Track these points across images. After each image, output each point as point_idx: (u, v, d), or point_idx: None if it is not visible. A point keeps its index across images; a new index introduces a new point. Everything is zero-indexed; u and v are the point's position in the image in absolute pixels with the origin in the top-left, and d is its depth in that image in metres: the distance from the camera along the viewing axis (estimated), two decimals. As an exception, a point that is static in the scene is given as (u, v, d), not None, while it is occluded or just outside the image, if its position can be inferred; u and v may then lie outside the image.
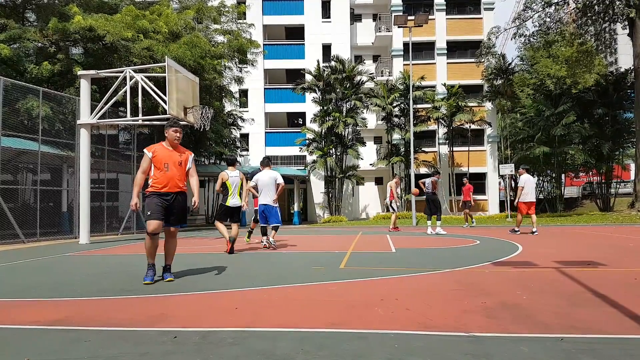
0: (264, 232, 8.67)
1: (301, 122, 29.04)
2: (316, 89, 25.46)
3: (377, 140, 30.02)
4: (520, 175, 11.18)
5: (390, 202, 13.80)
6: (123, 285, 4.55)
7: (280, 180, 8.39)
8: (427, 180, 11.98)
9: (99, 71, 11.24)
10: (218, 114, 17.84)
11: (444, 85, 27.28)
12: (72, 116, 13.03)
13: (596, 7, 23.40)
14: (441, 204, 12.42)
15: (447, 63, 29.02)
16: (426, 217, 12.21)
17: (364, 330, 2.75)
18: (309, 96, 26.94)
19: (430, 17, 26.72)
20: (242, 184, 8.00)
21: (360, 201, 29.26)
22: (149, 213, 4.70)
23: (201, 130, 11.47)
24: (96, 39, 13.76)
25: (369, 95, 25.96)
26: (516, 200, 11.15)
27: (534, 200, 11.10)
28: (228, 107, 23.22)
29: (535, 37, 26.08)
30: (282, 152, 28.77)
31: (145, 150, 4.82)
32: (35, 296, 4.09)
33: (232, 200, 7.87)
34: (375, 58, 31.43)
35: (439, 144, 28.12)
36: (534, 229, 11.09)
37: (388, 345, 2.44)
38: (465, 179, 17.41)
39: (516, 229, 11.48)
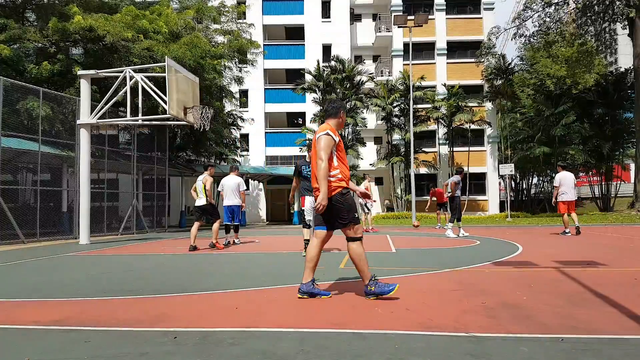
0: (228, 230, 9.69)
1: (301, 122, 29.04)
2: (316, 89, 25.47)
3: (377, 140, 30.02)
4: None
5: (365, 203, 13.47)
6: (123, 285, 4.54)
7: (243, 187, 9.34)
8: (457, 180, 10.68)
9: (99, 71, 11.23)
10: (218, 114, 17.84)
11: (444, 85, 27.29)
12: (72, 116, 13.03)
13: (596, 7, 23.42)
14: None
15: (447, 63, 29.03)
16: (452, 219, 11.07)
17: (364, 330, 2.75)
18: (309, 96, 26.95)
19: (430, 17, 26.74)
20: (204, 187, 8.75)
21: (360, 201, 29.24)
22: (357, 215, 3.69)
23: (201, 130, 11.47)
24: (96, 39, 13.75)
25: (369, 95, 25.97)
26: (553, 200, 10.75)
27: (574, 198, 10.61)
28: (228, 107, 23.22)
29: (535, 37, 26.11)
30: (282, 152, 28.76)
31: (328, 131, 3.61)
32: (35, 296, 4.08)
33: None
34: (375, 58, 31.43)
35: (439, 144, 28.12)
36: (577, 224, 10.67)
37: (388, 345, 2.44)
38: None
39: (566, 230, 10.70)
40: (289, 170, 26.13)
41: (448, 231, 10.85)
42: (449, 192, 10.65)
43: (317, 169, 3.56)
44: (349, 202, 3.64)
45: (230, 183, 9.24)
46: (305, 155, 7.48)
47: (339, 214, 3.63)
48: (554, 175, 29.33)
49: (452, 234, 10.74)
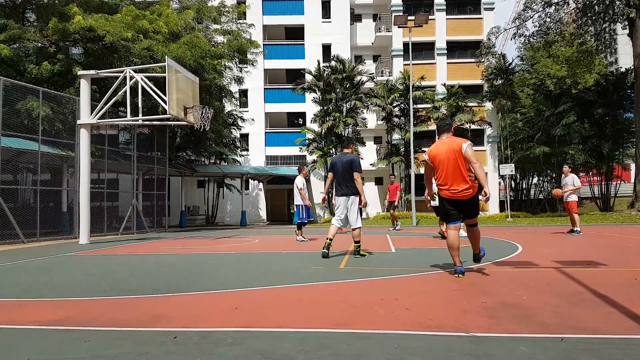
0: (299, 227, 10.41)
1: (301, 122, 29.05)
2: (316, 89, 25.47)
3: (377, 140, 30.02)
4: (568, 174, 11.16)
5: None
6: (123, 285, 4.54)
7: (300, 186, 10.10)
8: None
9: (99, 71, 11.23)
10: (218, 114, 17.83)
11: (444, 85, 27.28)
12: (72, 116, 13.03)
13: (596, 7, 23.40)
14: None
15: (447, 63, 29.03)
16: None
17: (364, 330, 2.75)
18: (309, 96, 26.95)
19: (430, 17, 26.71)
20: None
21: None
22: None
23: (201, 130, 11.47)
24: (96, 39, 13.74)
25: (369, 95, 25.97)
26: (567, 199, 11.02)
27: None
28: (228, 107, 23.23)
29: (535, 37, 26.09)
30: (282, 152, 28.76)
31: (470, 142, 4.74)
32: (35, 296, 4.09)
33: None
34: (375, 58, 31.43)
35: (439, 144, 28.08)
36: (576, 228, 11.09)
37: (388, 345, 2.44)
38: (392, 176, 15.85)
39: (579, 229, 11.06)
40: (289, 170, 26.14)
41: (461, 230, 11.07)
42: None
43: (478, 170, 4.61)
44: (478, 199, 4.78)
45: (294, 184, 10.21)
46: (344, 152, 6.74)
47: (475, 207, 4.77)
48: (554, 175, 29.39)
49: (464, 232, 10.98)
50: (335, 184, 6.65)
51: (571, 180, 11.03)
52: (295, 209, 10.45)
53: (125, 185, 17.34)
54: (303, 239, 10.06)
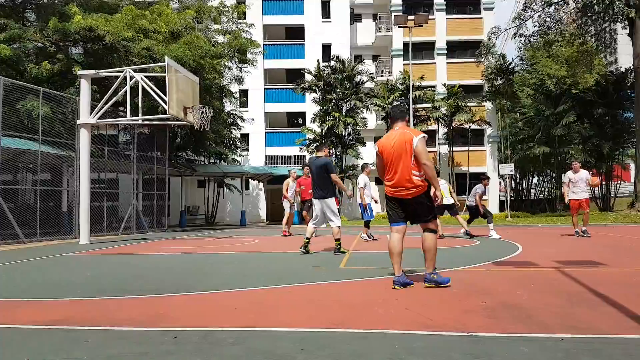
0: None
1: (301, 122, 29.04)
2: (316, 89, 25.46)
3: (377, 140, 30.01)
4: (579, 170, 10.11)
5: (282, 201, 12.09)
6: (123, 285, 4.54)
7: (359, 185, 9.68)
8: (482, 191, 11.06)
9: (99, 71, 11.22)
10: (218, 114, 17.83)
11: (444, 85, 27.29)
12: (72, 116, 13.02)
13: (596, 7, 23.40)
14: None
15: (447, 63, 29.04)
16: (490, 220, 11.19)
17: (364, 330, 2.75)
18: (309, 96, 26.94)
19: (430, 17, 26.73)
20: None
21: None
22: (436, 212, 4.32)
23: (201, 130, 11.46)
24: (96, 39, 13.74)
25: (369, 95, 25.97)
26: (584, 195, 10.10)
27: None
28: (228, 107, 23.21)
29: (535, 37, 26.11)
30: (282, 152, 28.75)
31: (425, 135, 4.14)
32: (35, 296, 4.08)
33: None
34: (375, 58, 31.43)
35: (439, 144, 28.11)
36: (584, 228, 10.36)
37: (388, 345, 2.44)
38: (306, 167, 13.96)
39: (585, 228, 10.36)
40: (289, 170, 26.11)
41: (492, 232, 10.54)
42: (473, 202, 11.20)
43: (428, 170, 3.97)
44: (432, 200, 4.16)
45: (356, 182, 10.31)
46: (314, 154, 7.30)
47: (426, 208, 4.09)
48: (554, 175, 29.39)
49: (495, 234, 10.45)
50: (312, 187, 7.14)
51: (585, 175, 10.11)
52: (360, 208, 10.05)
53: (125, 185, 17.33)
54: (367, 237, 9.72)
